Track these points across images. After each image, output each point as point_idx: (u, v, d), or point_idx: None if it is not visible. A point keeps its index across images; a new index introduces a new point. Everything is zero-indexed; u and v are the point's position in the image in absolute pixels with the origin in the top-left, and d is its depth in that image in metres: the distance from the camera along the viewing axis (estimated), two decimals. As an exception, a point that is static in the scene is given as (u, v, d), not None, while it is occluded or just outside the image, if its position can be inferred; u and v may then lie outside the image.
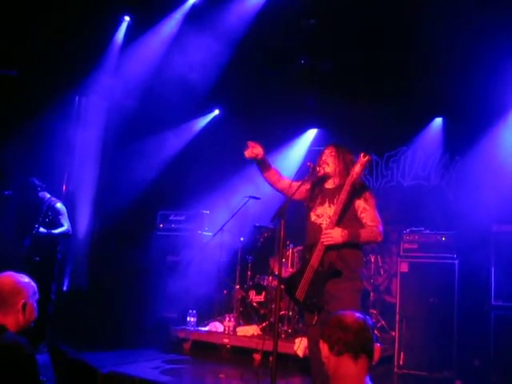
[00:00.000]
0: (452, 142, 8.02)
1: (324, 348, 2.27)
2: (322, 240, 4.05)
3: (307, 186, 4.39)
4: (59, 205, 6.53)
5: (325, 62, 8.03)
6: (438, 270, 6.13)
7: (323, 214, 4.26)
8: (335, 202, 4.19)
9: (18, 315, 2.69)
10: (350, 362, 2.19)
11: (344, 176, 4.23)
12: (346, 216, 4.13)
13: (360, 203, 4.18)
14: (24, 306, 2.71)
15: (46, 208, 6.43)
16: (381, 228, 4.15)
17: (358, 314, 2.30)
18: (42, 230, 6.24)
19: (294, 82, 8.36)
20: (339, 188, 4.22)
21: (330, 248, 4.06)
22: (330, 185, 4.33)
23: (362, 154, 4.04)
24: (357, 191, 4.16)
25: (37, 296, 2.81)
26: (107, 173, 8.65)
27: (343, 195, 4.06)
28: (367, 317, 2.34)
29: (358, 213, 4.18)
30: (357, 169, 4.06)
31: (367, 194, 4.22)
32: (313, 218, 4.32)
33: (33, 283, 2.80)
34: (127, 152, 8.41)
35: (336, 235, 4.01)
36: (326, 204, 4.26)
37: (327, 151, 4.35)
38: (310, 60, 8.08)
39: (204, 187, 8.58)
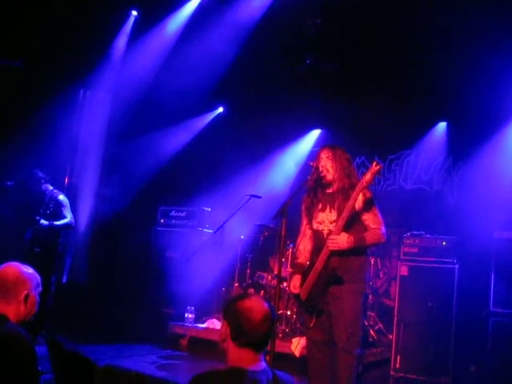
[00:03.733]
0: (455, 147, 8.01)
1: (226, 330, 2.32)
2: (327, 245, 4.07)
3: (307, 201, 4.42)
4: (62, 197, 6.54)
5: (330, 62, 8.02)
6: (437, 275, 6.11)
7: (324, 220, 4.28)
8: (336, 206, 4.21)
9: (20, 306, 2.68)
10: (251, 353, 2.30)
11: (343, 178, 4.25)
12: (350, 219, 4.14)
13: (363, 205, 4.19)
14: (26, 297, 2.70)
15: (48, 200, 6.44)
16: (384, 230, 4.17)
17: (265, 307, 2.31)
18: (43, 221, 6.24)
19: (299, 82, 8.35)
20: (339, 192, 4.24)
21: (334, 252, 4.08)
22: (329, 189, 4.34)
23: (374, 163, 4.05)
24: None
25: (40, 288, 2.80)
26: (110, 167, 8.66)
27: (352, 202, 4.07)
28: (272, 306, 2.38)
29: (361, 215, 4.19)
30: (367, 177, 4.06)
31: (369, 196, 4.24)
32: (315, 225, 4.34)
33: (37, 275, 2.80)
34: (130, 146, 8.41)
35: (342, 241, 4.04)
36: (327, 210, 4.28)
37: (323, 155, 4.35)
38: (315, 60, 8.07)
39: (206, 184, 8.59)
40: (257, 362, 2.29)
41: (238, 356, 2.29)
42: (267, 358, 3.79)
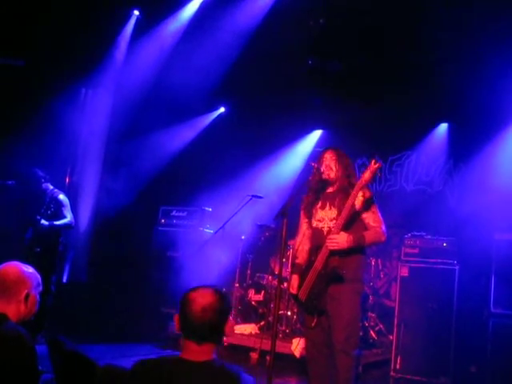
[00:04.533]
0: (456, 149, 8.02)
1: (176, 323, 2.30)
2: (326, 244, 4.07)
3: (306, 200, 4.42)
4: (62, 196, 6.54)
5: (332, 63, 8.01)
6: (438, 276, 6.11)
7: (324, 218, 4.28)
8: (336, 204, 4.21)
9: (20, 305, 2.68)
10: (193, 344, 2.22)
11: (344, 179, 4.26)
12: (350, 218, 4.14)
13: (362, 204, 4.19)
14: (27, 296, 2.69)
15: (49, 199, 6.44)
16: (384, 228, 4.18)
17: (209, 298, 2.22)
18: (43, 222, 6.23)
19: (301, 83, 8.35)
20: (339, 191, 4.24)
21: (333, 251, 4.07)
22: (330, 189, 4.35)
23: (373, 161, 4.04)
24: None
25: (40, 288, 2.79)
26: (111, 166, 8.66)
27: (351, 200, 4.07)
28: (223, 297, 2.27)
29: (361, 214, 4.20)
30: (367, 175, 4.05)
31: (369, 195, 4.24)
32: (314, 223, 4.34)
33: (38, 275, 2.79)
34: (131, 146, 8.42)
35: (341, 240, 4.03)
36: (327, 207, 4.28)
37: (327, 155, 4.36)
38: (317, 61, 8.07)
39: (207, 184, 8.59)
40: (201, 353, 2.21)
41: (185, 347, 2.23)
42: (267, 357, 3.79)
